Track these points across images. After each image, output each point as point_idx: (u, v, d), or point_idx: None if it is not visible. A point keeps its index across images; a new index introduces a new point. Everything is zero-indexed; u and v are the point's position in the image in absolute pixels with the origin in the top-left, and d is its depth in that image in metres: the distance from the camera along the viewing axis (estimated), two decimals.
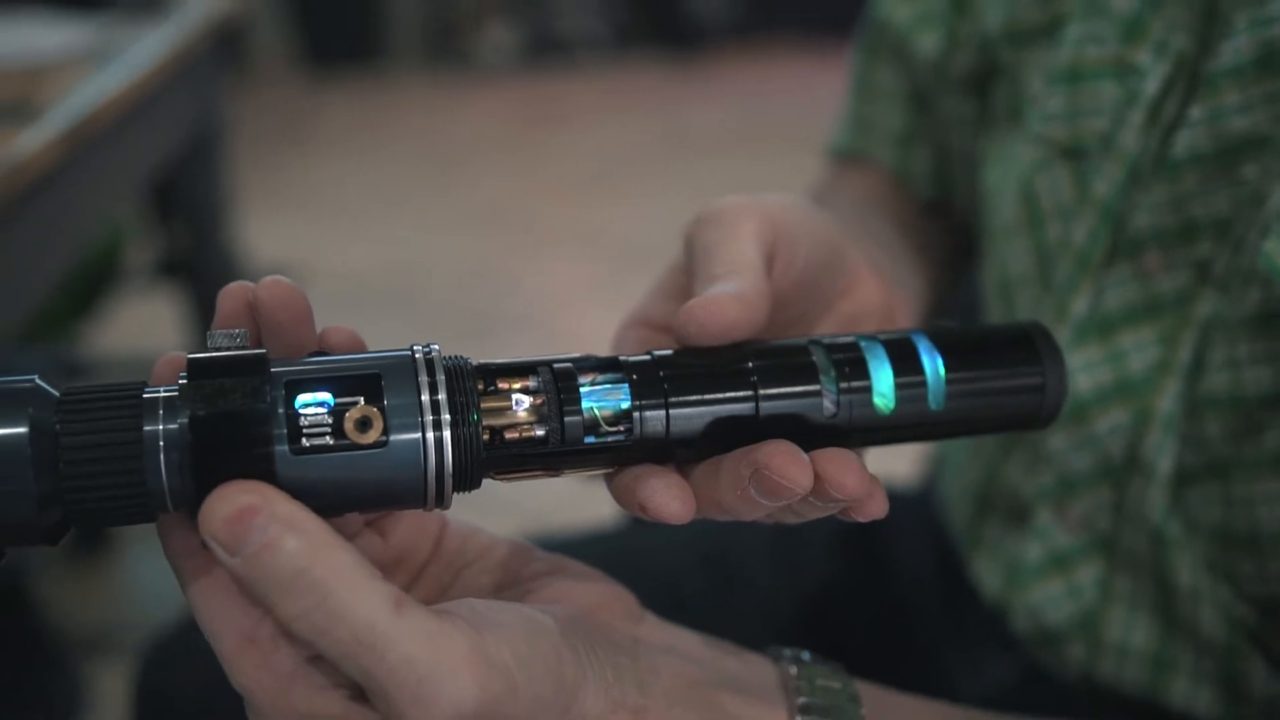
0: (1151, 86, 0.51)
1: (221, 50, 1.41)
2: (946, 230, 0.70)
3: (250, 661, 0.34)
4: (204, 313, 1.45)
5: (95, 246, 1.61)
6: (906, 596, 0.70)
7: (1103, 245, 0.53)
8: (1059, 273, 0.55)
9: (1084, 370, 0.54)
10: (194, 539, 0.34)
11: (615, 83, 4.80)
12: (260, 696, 0.34)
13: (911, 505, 0.74)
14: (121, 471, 0.32)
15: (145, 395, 0.33)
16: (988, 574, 0.62)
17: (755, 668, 0.42)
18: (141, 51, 1.05)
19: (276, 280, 0.36)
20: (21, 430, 0.31)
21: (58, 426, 0.32)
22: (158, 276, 1.64)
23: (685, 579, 0.70)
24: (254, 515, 0.31)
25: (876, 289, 0.48)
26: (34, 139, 0.76)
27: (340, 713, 0.34)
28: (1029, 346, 0.40)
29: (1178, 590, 0.52)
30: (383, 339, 0.39)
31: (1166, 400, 0.51)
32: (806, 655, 0.43)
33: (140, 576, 1.76)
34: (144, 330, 2.07)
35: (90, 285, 1.65)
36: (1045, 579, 0.58)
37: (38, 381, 0.33)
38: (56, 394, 0.33)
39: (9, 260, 0.75)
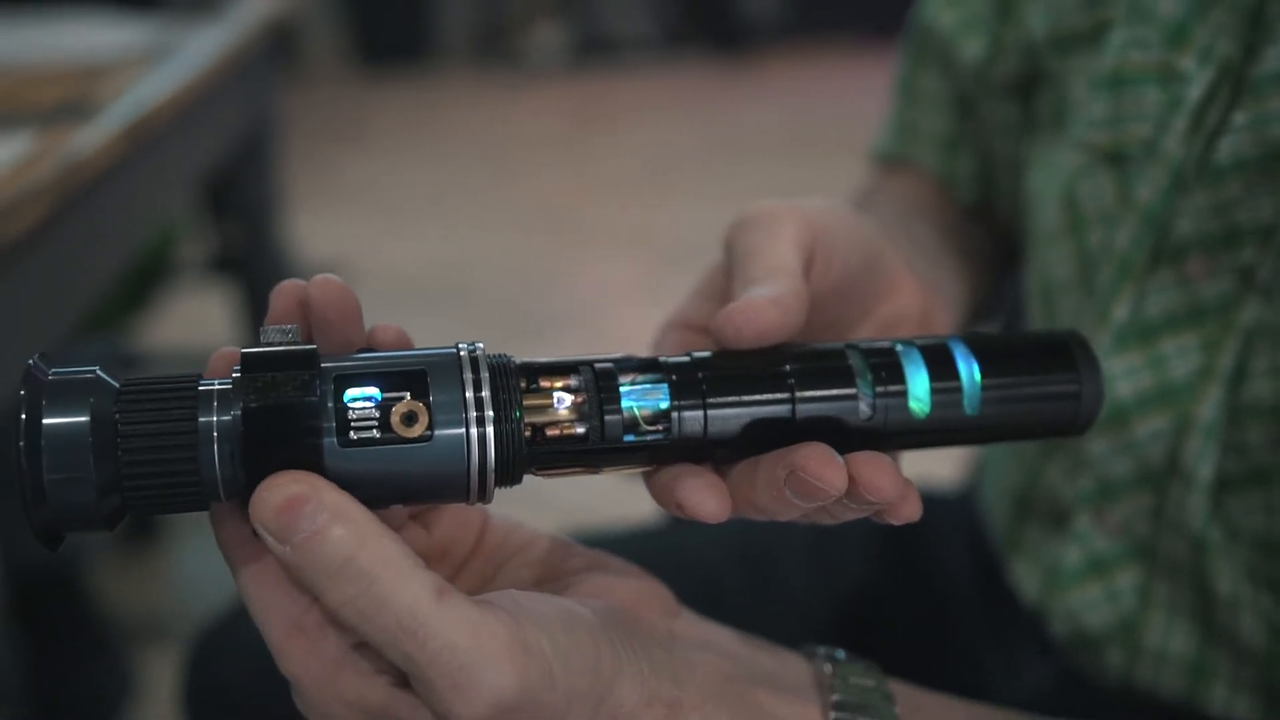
0: (1195, 92, 0.51)
1: (275, 49, 1.43)
2: (990, 235, 0.70)
3: (298, 648, 0.35)
4: (255, 308, 1.47)
5: (149, 242, 1.64)
6: (945, 599, 0.70)
7: (1145, 251, 0.53)
8: (1101, 278, 0.55)
9: (1125, 376, 0.54)
10: (245, 528, 0.35)
11: (663, 83, 4.80)
12: (307, 683, 0.35)
13: (951, 508, 0.74)
14: (177, 461, 0.33)
15: (201, 387, 0.34)
16: (1027, 578, 0.62)
17: (790, 665, 0.43)
18: (197, 51, 1.07)
19: (327, 279, 0.37)
20: (83, 419, 0.32)
21: (117, 416, 0.33)
22: (210, 272, 1.67)
23: (725, 577, 0.70)
24: (303, 504, 0.32)
25: (915, 293, 0.48)
26: (91, 137, 0.77)
27: (384, 700, 0.35)
28: (1066, 354, 0.41)
29: (1217, 597, 0.52)
30: (429, 336, 0.40)
31: (1208, 407, 0.51)
32: (841, 653, 0.43)
33: (190, 565, 1.78)
34: (196, 325, 2.10)
35: (144, 280, 1.68)
36: (1084, 584, 0.57)
37: (99, 373, 0.34)
38: (116, 385, 0.34)
39: (66, 256, 0.77)
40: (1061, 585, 0.58)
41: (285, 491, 0.33)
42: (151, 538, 1.80)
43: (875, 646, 0.67)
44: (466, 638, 0.33)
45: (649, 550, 0.71)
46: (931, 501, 0.75)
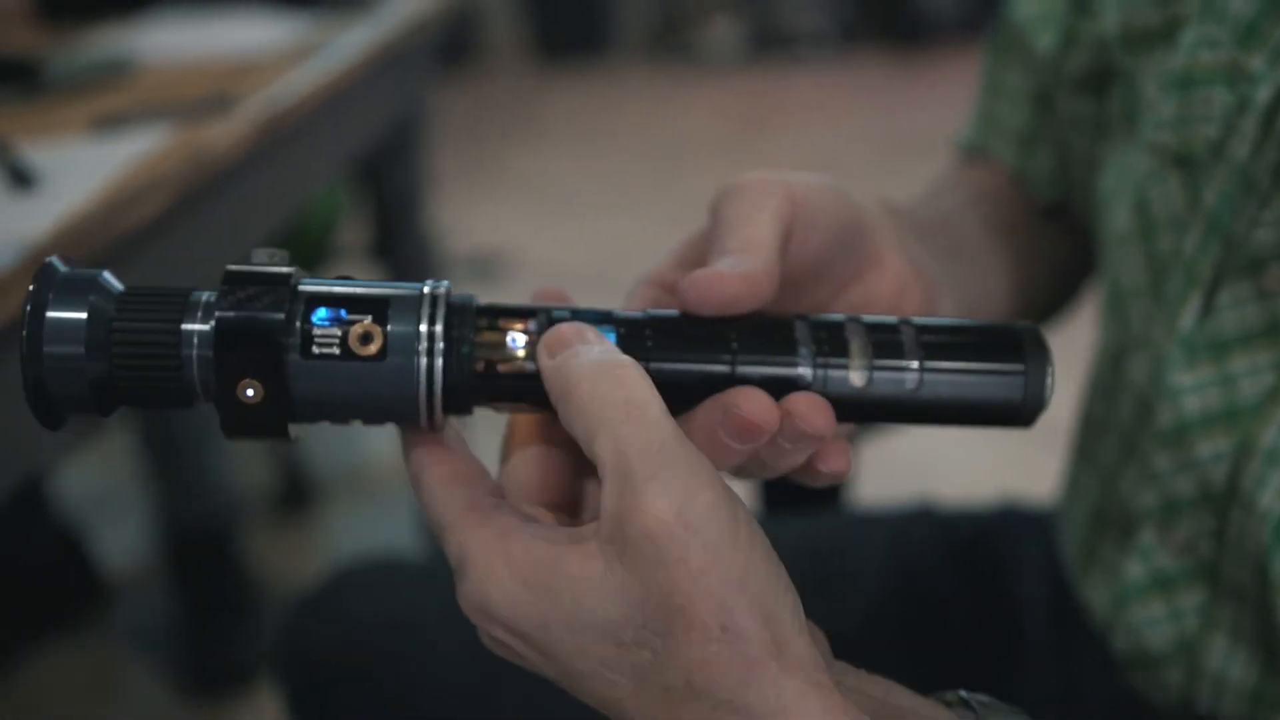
0: (1264, 94, 0.49)
1: (436, 48, 1.47)
2: (1064, 236, 0.69)
3: (472, 520, 0.38)
4: None
5: (313, 224, 1.71)
6: (1015, 612, 0.69)
7: (1211, 257, 0.51)
8: (1170, 286, 0.54)
9: (1193, 391, 0.52)
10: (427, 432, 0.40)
11: (839, 80, 4.75)
12: (477, 551, 0.37)
13: (1032, 524, 0.73)
14: (160, 359, 0.37)
15: (191, 297, 0.37)
16: (1098, 593, 0.61)
17: (931, 708, 0.41)
18: (341, 48, 1.11)
19: None
20: (81, 315, 0.36)
21: (113, 315, 0.37)
22: (366, 255, 1.73)
23: (793, 576, 0.70)
24: (583, 333, 0.38)
25: (892, 278, 0.47)
26: (222, 132, 0.82)
27: (553, 558, 0.36)
28: (1014, 344, 0.41)
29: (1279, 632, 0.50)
30: None
31: (1272, 431, 0.49)
32: (984, 698, 0.42)
33: (339, 534, 1.86)
34: None
35: (307, 260, 1.76)
36: (1147, 600, 0.56)
37: (104, 276, 0.37)
38: (120, 288, 0.37)
39: (191, 244, 0.81)
40: (1125, 600, 0.57)
41: (578, 327, 0.38)
42: (303, 506, 1.89)
43: (940, 654, 0.67)
44: (679, 448, 0.35)
45: None
46: (1015, 516, 0.74)
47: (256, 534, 1.79)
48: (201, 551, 1.57)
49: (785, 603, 0.35)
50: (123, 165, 0.72)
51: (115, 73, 1.01)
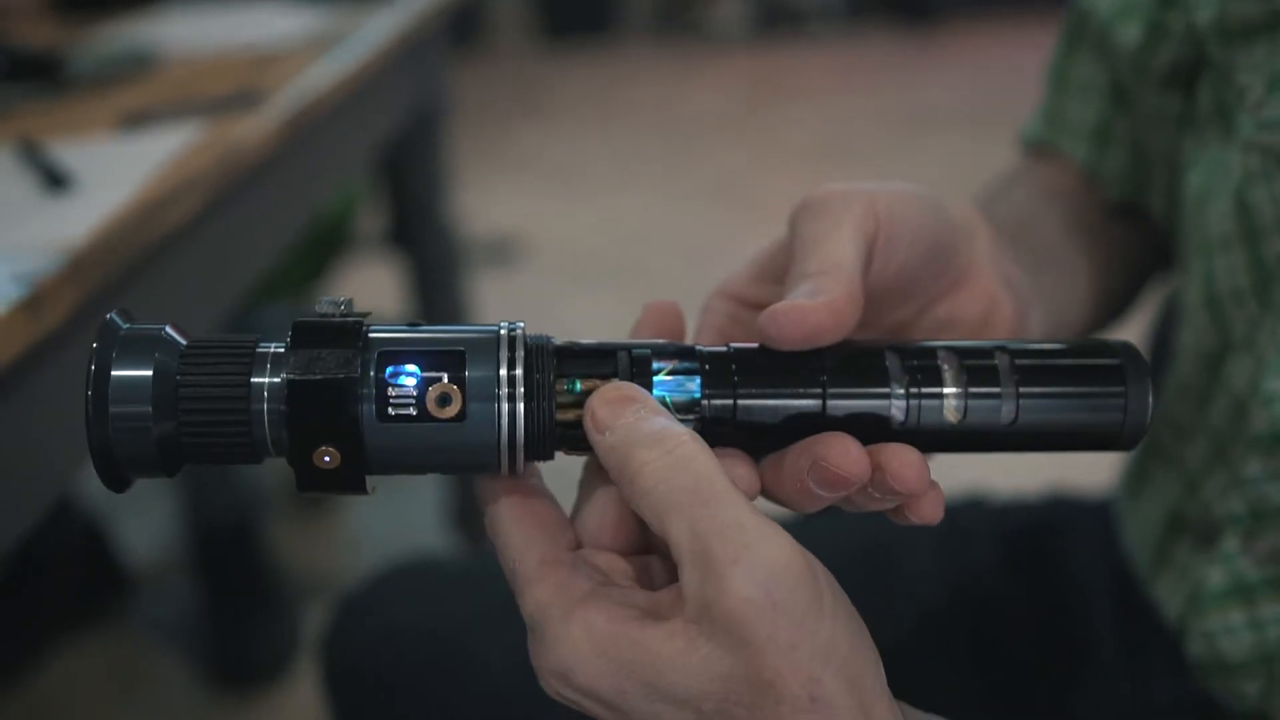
0: None
1: (456, 27, 1.45)
2: (1136, 234, 0.67)
3: (551, 577, 0.37)
4: (420, 281, 1.51)
5: (331, 213, 1.70)
6: (1077, 609, 0.67)
7: None
8: (1279, 291, 0.52)
9: None
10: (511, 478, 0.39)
11: (847, 55, 4.73)
12: (554, 613, 0.36)
13: (1090, 516, 0.71)
14: (230, 418, 0.35)
15: (258, 350, 0.36)
16: (1170, 596, 0.59)
17: None
18: (365, 37, 1.09)
19: None
20: (146, 374, 0.35)
21: (178, 373, 0.35)
22: (384, 244, 1.72)
23: (845, 578, 0.69)
24: (631, 401, 0.36)
25: (980, 295, 0.46)
26: (253, 128, 0.80)
27: (635, 634, 0.35)
28: (1112, 364, 0.40)
29: None
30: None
31: None
32: None
33: (359, 527, 1.86)
34: (372, 294, 2.18)
35: (325, 249, 1.74)
36: (1226, 608, 0.55)
37: (167, 330, 0.36)
38: (183, 342, 0.36)
39: (223, 242, 0.80)
40: (1202, 606, 0.56)
41: (622, 390, 0.37)
42: (324, 500, 1.88)
43: (1001, 652, 0.66)
44: (755, 521, 0.34)
45: None
46: (1075, 508, 0.73)
47: (280, 527, 1.78)
48: (225, 544, 1.56)
49: (868, 666, 0.35)
50: (156, 166, 0.70)
51: (138, 67, 0.99)
